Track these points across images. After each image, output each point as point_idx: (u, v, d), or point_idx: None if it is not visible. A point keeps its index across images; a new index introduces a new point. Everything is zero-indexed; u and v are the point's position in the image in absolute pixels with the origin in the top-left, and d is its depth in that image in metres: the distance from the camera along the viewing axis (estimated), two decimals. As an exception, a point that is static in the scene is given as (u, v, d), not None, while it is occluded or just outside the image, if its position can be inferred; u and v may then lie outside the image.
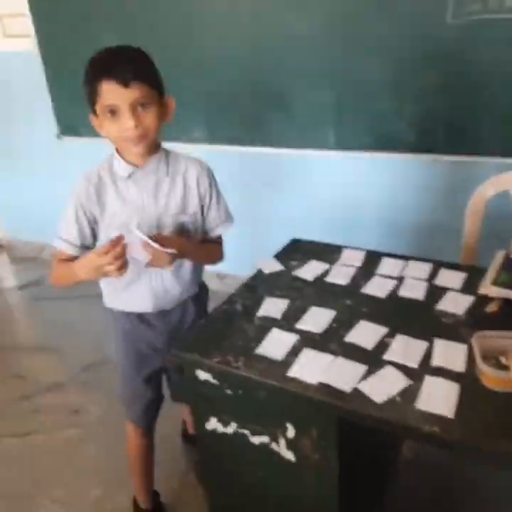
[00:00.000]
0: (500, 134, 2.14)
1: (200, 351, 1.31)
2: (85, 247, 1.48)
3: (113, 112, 1.30)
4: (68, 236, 1.46)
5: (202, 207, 1.54)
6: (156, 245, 1.31)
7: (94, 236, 1.49)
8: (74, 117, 3.01)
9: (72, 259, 1.44)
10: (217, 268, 1.88)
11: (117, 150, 1.44)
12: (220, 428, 1.38)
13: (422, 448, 1.89)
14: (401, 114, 2.26)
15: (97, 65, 1.31)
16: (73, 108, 2.96)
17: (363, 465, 1.55)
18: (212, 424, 1.39)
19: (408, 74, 2.18)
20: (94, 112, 1.36)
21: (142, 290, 1.52)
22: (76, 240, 1.46)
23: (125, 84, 1.26)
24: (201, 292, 1.68)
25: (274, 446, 1.31)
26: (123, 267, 1.27)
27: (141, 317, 1.57)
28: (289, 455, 1.30)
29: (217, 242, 1.64)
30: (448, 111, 2.19)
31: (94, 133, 2.97)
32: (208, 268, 1.79)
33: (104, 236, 1.46)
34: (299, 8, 2.26)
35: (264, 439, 1.32)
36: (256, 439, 1.33)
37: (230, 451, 1.41)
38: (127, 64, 1.27)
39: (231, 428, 1.36)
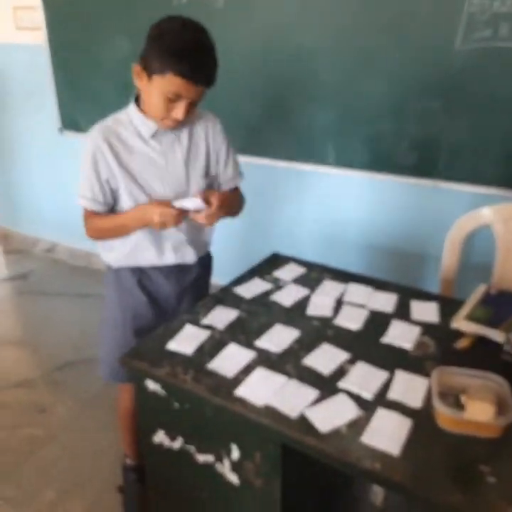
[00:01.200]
0: (503, 164, 2.07)
1: (150, 360, 1.26)
2: (109, 204, 1.48)
3: (170, 98, 1.31)
4: (93, 195, 1.45)
5: (217, 161, 1.57)
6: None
7: (113, 194, 1.47)
8: (77, 112, 2.97)
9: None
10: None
11: (138, 104, 1.42)
12: (167, 442, 1.32)
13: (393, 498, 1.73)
14: (402, 136, 2.22)
15: (177, 57, 1.25)
16: (77, 103, 2.96)
17: (312, 498, 1.47)
18: (160, 437, 1.33)
19: (412, 97, 2.14)
20: (145, 66, 1.30)
21: (167, 244, 1.55)
22: (100, 197, 1.45)
23: (195, 84, 1.29)
24: (209, 256, 1.75)
25: (218, 466, 1.25)
26: (181, 219, 1.38)
27: (159, 270, 1.59)
28: (233, 477, 1.24)
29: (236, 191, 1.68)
30: (450, 137, 2.13)
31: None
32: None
33: (128, 196, 1.45)
34: (309, 24, 2.23)
35: (210, 457, 1.26)
36: (201, 457, 1.27)
37: (176, 467, 1.35)
38: (204, 70, 1.29)
39: (177, 443, 1.30)
